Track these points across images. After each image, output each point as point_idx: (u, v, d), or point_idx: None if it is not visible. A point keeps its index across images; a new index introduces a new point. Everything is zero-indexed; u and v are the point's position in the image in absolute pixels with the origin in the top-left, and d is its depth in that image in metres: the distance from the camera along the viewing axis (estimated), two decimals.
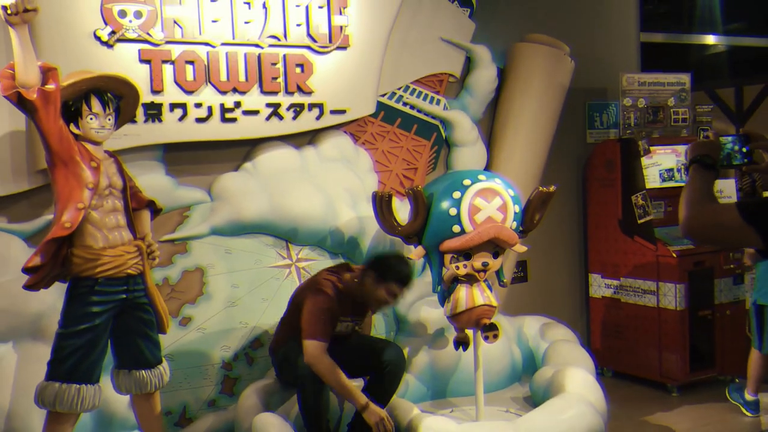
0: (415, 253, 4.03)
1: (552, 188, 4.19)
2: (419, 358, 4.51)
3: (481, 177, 3.99)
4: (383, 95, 4.74)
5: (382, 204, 4.05)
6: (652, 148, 5.14)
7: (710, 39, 7.27)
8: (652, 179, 5.20)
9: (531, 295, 5.42)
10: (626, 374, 5.30)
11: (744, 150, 2.02)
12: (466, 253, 3.89)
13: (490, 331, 3.92)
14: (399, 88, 4.82)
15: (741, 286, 5.12)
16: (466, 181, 3.93)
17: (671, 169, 5.19)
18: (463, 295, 3.93)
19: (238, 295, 4.21)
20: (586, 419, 3.69)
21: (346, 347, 3.81)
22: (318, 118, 4.46)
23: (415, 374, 4.47)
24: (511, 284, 5.29)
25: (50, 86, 3.00)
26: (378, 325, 4.55)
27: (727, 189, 5.49)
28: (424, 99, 4.90)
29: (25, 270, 3.10)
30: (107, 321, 3.21)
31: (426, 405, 4.32)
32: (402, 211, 4.17)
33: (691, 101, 5.43)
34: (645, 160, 5.09)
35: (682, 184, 5.52)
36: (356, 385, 3.76)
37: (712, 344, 5.02)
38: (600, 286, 5.44)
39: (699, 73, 10.58)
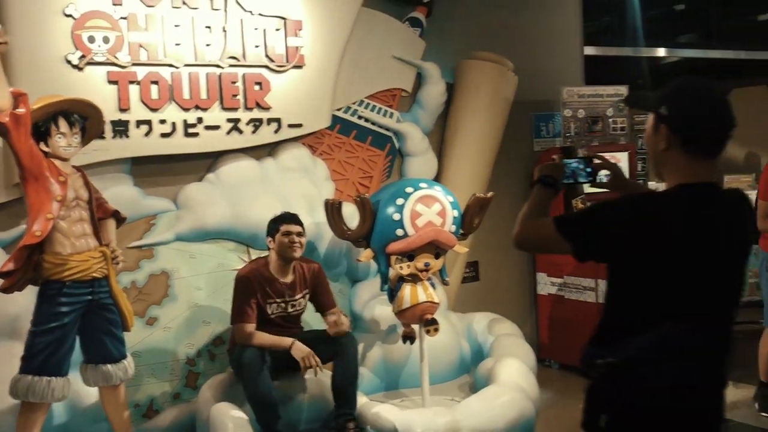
0: (364, 256, 4.40)
1: (489, 195, 4.57)
2: (373, 353, 4.87)
3: (422, 185, 4.37)
4: (339, 109, 5.09)
5: (332, 211, 4.43)
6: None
7: (661, 51, 7.66)
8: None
9: (482, 293, 5.77)
10: (571, 366, 5.66)
11: (588, 170, 2.29)
12: (409, 255, 4.27)
13: (431, 325, 4.29)
14: (354, 103, 5.17)
15: None
16: (409, 189, 4.31)
17: (609, 175, 5.55)
18: (407, 293, 4.31)
19: (201, 297, 4.57)
20: (518, 405, 4.03)
21: (305, 343, 4.15)
22: (276, 131, 4.81)
23: (369, 368, 4.83)
24: (463, 283, 5.67)
25: (21, 110, 3.36)
26: None
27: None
28: (378, 112, 5.27)
29: (0, 274, 3.45)
30: (75, 320, 3.57)
31: (379, 396, 4.68)
32: (356, 217, 4.51)
33: (629, 111, 5.82)
34: None
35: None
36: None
37: None
38: (546, 284, 5.81)
39: (655, 84, 11.01)
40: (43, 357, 3.48)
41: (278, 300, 4.17)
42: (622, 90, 5.79)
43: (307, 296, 4.33)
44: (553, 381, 5.49)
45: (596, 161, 2.31)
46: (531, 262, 5.97)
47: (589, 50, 6.52)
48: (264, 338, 4.03)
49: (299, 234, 4.20)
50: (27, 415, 3.52)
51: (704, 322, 1.92)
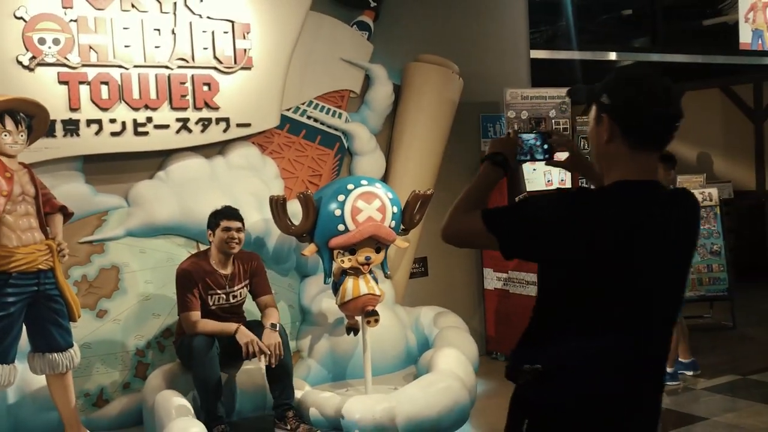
0: (307, 250, 4.58)
1: (428, 191, 4.76)
2: (320, 345, 5.05)
3: (363, 182, 4.56)
4: (288, 110, 5.26)
5: (277, 207, 4.59)
6: None
7: (612, 55, 7.89)
8: (536, 183, 5.80)
9: (431, 288, 5.95)
10: None
11: (545, 147, 2.09)
12: (351, 249, 4.45)
13: (371, 316, 4.47)
14: (303, 103, 5.34)
15: None
16: (350, 186, 4.49)
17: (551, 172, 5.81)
18: (349, 286, 4.49)
19: (150, 290, 4.72)
20: (453, 392, 4.19)
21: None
22: (225, 131, 4.97)
23: (317, 359, 5.01)
24: (412, 279, 5.85)
25: None
26: (284, 316, 5.05)
27: None
28: (327, 113, 5.44)
29: None
30: (21, 310, 3.72)
31: (325, 386, 4.85)
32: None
33: (571, 113, 6.04)
34: (527, 166, 5.67)
35: (563, 186, 6.06)
36: None
37: None
38: (492, 279, 6.01)
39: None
40: None
41: (219, 291, 4.33)
42: (564, 92, 6.01)
43: (247, 287, 4.48)
44: (498, 372, 5.61)
45: (554, 137, 2.14)
46: (478, 258, 6.17)
47: (539, 54, 6.73)
48: (210, 325, 4.19)
49: (238, 230, 4.36)
50: None
51: (639, 329, 1.80)
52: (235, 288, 4.40)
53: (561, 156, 2.18)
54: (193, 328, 4.18)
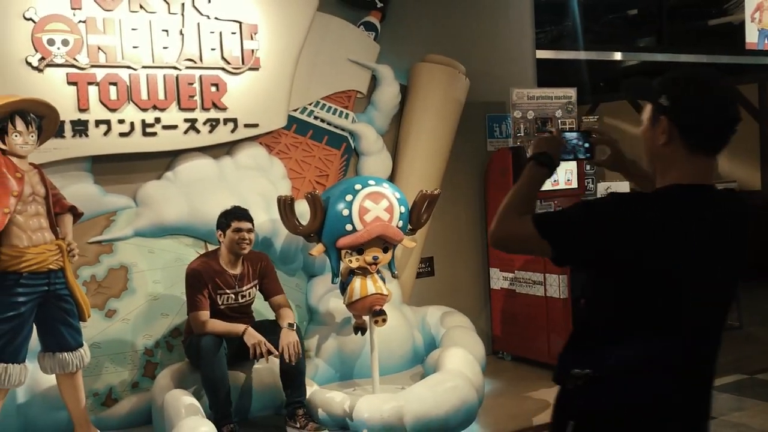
0: (315, 250, 4.59)
1: (435, 191, 4.77)
2: (328, 345, 5.07)
3: (371, 182, 4.57)
4: (295, 110, 5.28)
5: (285, 207, 4.61)
6: None
7: (618, 55, 7.90)
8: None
9: (437, 288, 5.97)
10: (522, 357, 5.86)
11: (586, 145, 2.07)
12: (358, 249, 4.47)
13: (379, 316, 4.48)
14: (310, 104, 5.36)
15: None
16: (358, 186, 4.51)
17: (557, 173, 5.80)
18: (357, 285, 4.50)
19: (159, 290, 4.74)
20: (461, 392, 4.21)
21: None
22: (232, 131, 4.99)
23: (324, 359, 5.03)
24: (419, 278, 5.87)
25: None
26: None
27: (620, 191, 6.09)
28: (334, 113, 5.46)
29: None
30: (31, 309, 3.74)
31: (333, 386, 4.86)
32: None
33: (577, 113, 6.05)
34: None
35: (569, 186, 6.07)
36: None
37: None
38: (499, 279, 6.02)
39: (617, 85, 11.28)
40: (0, 344, 3.64)
41: (228, 291, 4.35)
42: (571, 92, 6.02)
43: (256, 287, 4.50)
44: (505, 372, 5.70)
45: (594, 136, 2.11)
46: (484, 258, 6.18)
47: (544, 54, 6.73)
48: (218, 325, 4.21)
49: (249, 230, 4.38)
50: None
51: (690, 334, 1.78)
52: (244, 288, 4.42)
53: (603, 154, 2.15)
54: (201, 327, 4.20)
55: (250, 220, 4.41)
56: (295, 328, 4.29)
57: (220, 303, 4.33)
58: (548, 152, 1.97)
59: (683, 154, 1.81)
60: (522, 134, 5.82)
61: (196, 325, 4.23)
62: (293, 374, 4.28)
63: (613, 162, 2.18)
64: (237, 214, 4.38)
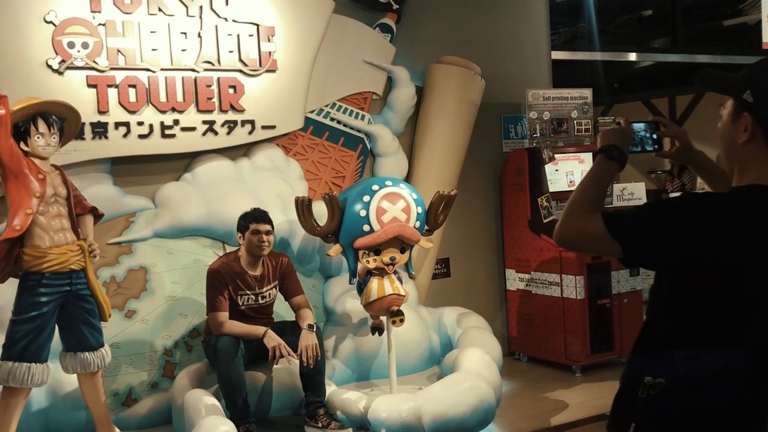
0: (333, 251, 4.61)
1: (452, 192, 4.78)
2: (345, 345, 5.08)
3: (388, 183, 4.58)
4: (312, 112, 5.31)
5: (302, 208, 4.63)
6: (557, 155, 5.74)
7: (632, 56, 7.89)
8: (559, 184, 5.81)
9: (453, 289, 5.98)
10: (538, 358, 5.86)
11: (654, 137, 2.02)
12: (375, 249, 4.48)
13: (396, 316, 4.50)
14: (326, 105, 5.39)
15: (637, 278, 5.70)
16: (375, 187, 4.52)
17: (573, 173, 5.83)
18: (374, 286, 4.51)
19: (177, 291, 4.77)
20: (478, 392, 4.21)
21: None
22: (250, 133, 5.02)
23: (341, 360, 5.04)
24: (434, 279, 5.88)
25: (0, 111, 3.57)
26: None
27: (636, 192, 6.08)
28: (350, 114, 5.48)
29: None
30: (53, 309, 3.77)
31: (350, 386, 4.88)
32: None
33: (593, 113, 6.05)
34: (550, 167, 5.69)
35: None
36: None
37: (610, 329, 5.59)
38: (515, 280, 6.02)
39: (632, 86, 11.28)
40: (23, 344, 3.68)
41: (249, 292, 4.38)
42: (586, 93, 6.02)
43: (276, 288, 4.53)
44: (521, 373, 5.70)
45: (664, 128, 2.06)
46: (500, 259, 6.18)
47: (559, 54, 6.74)
48: (237, 327, 4.23)
49: (268, 233, 4.40)
50: (8, 399, 3.72)
51: (766, 344, 1.70)
52: (264, 289, 4.44)
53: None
54: (219, 328, 4.23)
55: (269, 222, 4.43)
56: (314, 329, 4.31)
57: (240, 304, 4.35)
58: (618, 145, 1.88)
59: (765, 154, 1.72)
60: (537, 135, 5.82)
61: (214, 326, 4.26)
62: (313, 374, 4.30)
63: (681, 154, 2.11)
64: (256, 217, 4.40)
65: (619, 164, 1.87)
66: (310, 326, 4.30)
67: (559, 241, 1.83)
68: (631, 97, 11.55)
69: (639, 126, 2.00)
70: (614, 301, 5.61)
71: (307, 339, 4.23)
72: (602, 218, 1.76)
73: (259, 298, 4.43)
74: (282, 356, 4.17)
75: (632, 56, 7.99)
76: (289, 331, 4.33)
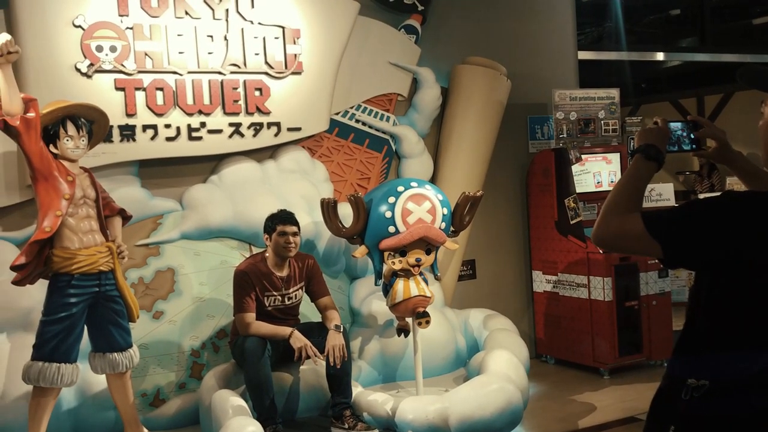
0: (358, 252, 4.61)
1: (478, 193, 4.76)
2: (370, 347, 5.08)
3: (413, 184, 4.58)
4: (337, 114, 5.32)
5: (328, 209, 4.64)
6: (584, 156, 5.70)
7: (660, 55, 7.81)
8: (586, 184, 5.76)
9: (479, 291, 5.96)
10: (565, 361, 5.82)
11: (692, 136, 2.01)
12: (401, 251, 4.47)
13: (422, 317, 4.48)
14: (351, 107, 5.39)
15: (666, 279, 5.64)
16: (400, 188, 4.52)
17: (600, 174, 5.78)
18: (400, 287, 4.50)
19: (205, 292, 4.80)
20: (505, 393, 4.17)
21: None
22: (276, 135, 5.04)
23: (367, 361, 5.03)
24: (460, 281, 5.86)
25: (31, 114, 3.62)
26: None
27: (665, 193, 6.02)
28: (375, 116, 5.48)
29: (12, 267, 3.70)
30: (82, 310, 3.81)
31: (376, 388, 4.87)
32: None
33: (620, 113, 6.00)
34: (577, 167, 5.65)
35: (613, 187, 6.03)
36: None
37: (639, 332, 5.54)
38: (541, 282, 5.98)
39: (659, 86, 11.16)
40: (53, 344, 3.71)
41: (275, 293, 4.39)
42: (614, 93, 5.97)
43: (303, 289, 4.54)
44: (548, 375, 5.66)
45: (702, 128, 2.04)
46: (527, 260, 6.15)
47: (585, 55, 6.69)
48: (264, 327, 4.25)
49: (294, 234, 4.41)
50: (38, 399, 3.76)
51: None
52: (291, 290, 4.45)
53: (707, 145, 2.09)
54: (246, 329, 4.24)
55: (295, 223, 4.44)
56: (341, 330, 4.31)
57: (267, 305, 4.37)
58: (655, 144, 1.87)
59: None
60: (564, 135, 5.78)
61: (241, 327, 4.28)
62: (339, 375, 4.30)
63: (719, 154, 2.09)
64: (282, 218, 4.42)
65: (656, 164, 1.86)
66: (337, 327, 4.31)
67: (597, 241, 1.83)
68: (659, 98, 11.43)
69: (676, 125, 1.98)
70: (643, 303, 5.55)
71: (334, 339, 4.24)
72: (641, 218, 1.75)
73: (286, 299, 4.44)
74: (308, 357, 4.18)
75: (660, 56, 7.91)
76: (316, 332, 4.34)
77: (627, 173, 1.88)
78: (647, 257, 5.31)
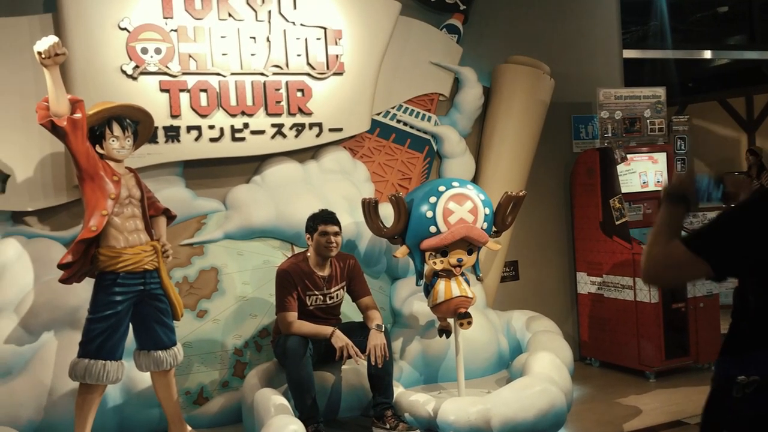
0: (399, 252, 4.59)
1: (521, 192, 4.71)
2: (412, 347, 5.06)
3: (455, 184, 4.54)
4: (378, 114, 5.31)
5: (369, 209, 4.63)
6: (629, 155, 5.61)
7: (708, 53, 7.65)
8: (631, 184, 5.67)
9: (522, 292, 5.89)
10: (610, 363, 5.73)
11: (717, 191, 2.04)
12: (442, 251, 4.44)
13: (464, 318, 4.45)
14: (393, 107, 5.39)
15: (713, 281, 5.50)
16: (441, 188, 4.48)
17: (646, 174, 5.68)
18: (441, 288, 4.47)
19: (248, 291, 4.84)
20: (549, 396, 4.12)
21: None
22: (318, 135, 5.06)
23: (409, 362, 5.02)
24: (503, 282, 5.81)
25: (77, 115, 3.68)
26: None
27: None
28: (416, 116, 5.47)
29: (60, 266, 3.77)
30: (128, 308, 3.86)
31: (418, 388, 4.85)
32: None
33: (667, 112, 5.88)
34: (622, 167, 5.56)
35: (658, 188, 5.93)
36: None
37: (686, 334, 5.42)
38: (586, 283, 5.90)
39: (707, 85, 10.94)
40: (98, 342, 3.77)
41: (317, 292, 4.40)
42: (660, 91, 5.87)
43: (344, 288, 4.54)
44: (593, 378, 5.58)
45: (728, 186, 2.06)
46: (571, 262, 6.07)
47: (630, 53, 6.58)
48: (306, 327, 4.26)
49: (336, 234, 4.41)
50: (84, 396, 3.82)
51: None
52: (332, 290, 4.46)
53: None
54: (288, 328, 4.26)
55: (336, 223, 4.45)
56: (383, 329, 4.31)
57: (308, 304, 4.38)
58: (680, 190, 1.95)
59: None
60: (609, 135, 5.69)
61: (283, 325, 4.29)
62: (381, 375, 4.29)
63: None
64: (324, 218, 4.43)
65: (685, 205, 1.94)
66: (378, 326, 4.30)
67: (646, 277, 1.90)
68: (706, 97, 11.21)
69: (702, 177, 2.02)
70: (690, 305, 5.44)
71: (376, 338, 4.23)
72: (682, 242, 1.80)
73: (327, 299, 4.45)
74: (349, 356, 4.18)
75: (707, 54, 7.74)
76: (357, 332, 4.34)
77: (660, 216, 1.95)
78: None
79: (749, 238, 1.72)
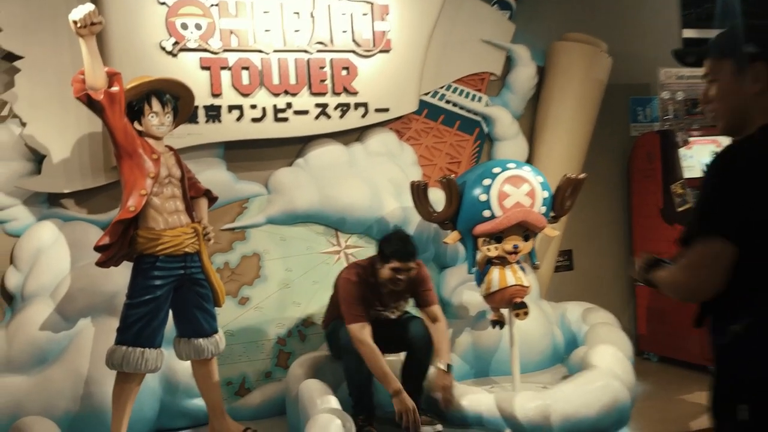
0: (450, 238, 4.35)
1: (581, 175, 4.43)
2: (462, 339, 4.81)
3: (510, 165, 4.28)
4: (426, 94, 5.08)
5: (418, 192, 4.40)
6: (691, 139, 5.30)
7: None
8: (694, 170, 5.35)
9: (577, 283, 5.62)
10: (671, 359, 5.42)
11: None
12: (497, 237, 4.18)
13: (520, 308, 4.18)
14: (441, 87, 5.15)
15: None
16: (496, 170, 4.23)
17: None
18: (495, 276, 4.22)
19: (291, 278, 4.63)
20: (612, 391, 3.88)
21: (399, 328, 4.10)
22: (363, 116, 4.83)
23: (459, 354, 4.77)
24: (556, 272, 5.54)
25: (115, 88, 3.49)
26: None
27: None
28: (466, 96, 5.22)
29: (96, 248, 3.58)
30: (167, 293, 3.66)
31: (468, 383, 4.60)
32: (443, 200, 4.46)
33: None
34: (683, 151, 5.25)
35: None
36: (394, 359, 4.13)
37: None
38: None
39: None
40: (137, 328, 3.58)
41: (380, 308, 4.10)
42: None
43: (409, 298, 4.21)
44: (652, 373, 5.28)
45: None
46: (628, 250, 5.77)
47: (691, 33, 6.26)
48: (375, 360, 3.83)
49: (408, 270, 3.97)
50: (122, 385, 3.64)
51: None
52: (395, 303, 4.16)
53: None
54: (359, 344, 3.85)
55: (413, 259, 3.99)
56: (450, 369, 4.01)
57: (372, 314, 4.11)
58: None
59: None
60: (670, 117, 5.38)
61: (355, 338, 3.87)
62: (416, 375, 4.08)
63: None
64: (401, 255, 3.93)
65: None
66: (449, 367, 4.01)
67: (691, 295, 1.94)
68: None
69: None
70: None
71: (443, 379, 3.96)
72: (683, 243, 1.86)
73: (390, 313, 4.15)
74: (408, 423, 3.74)
75: None
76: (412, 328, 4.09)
77: (655, 280, 2.11)
78: None
79: (745, 193, 1.74)
